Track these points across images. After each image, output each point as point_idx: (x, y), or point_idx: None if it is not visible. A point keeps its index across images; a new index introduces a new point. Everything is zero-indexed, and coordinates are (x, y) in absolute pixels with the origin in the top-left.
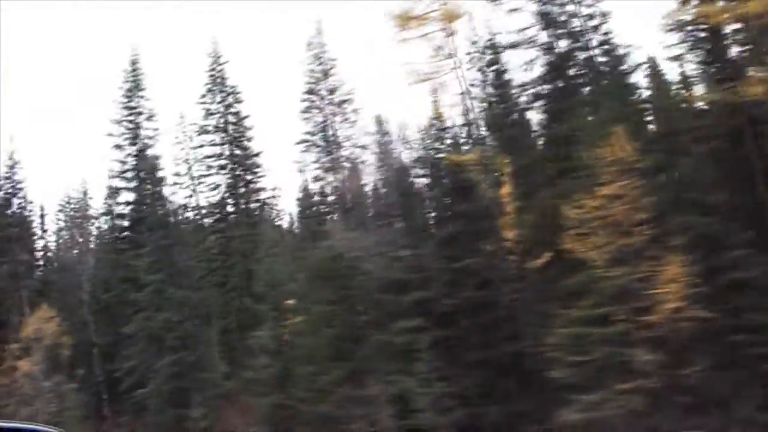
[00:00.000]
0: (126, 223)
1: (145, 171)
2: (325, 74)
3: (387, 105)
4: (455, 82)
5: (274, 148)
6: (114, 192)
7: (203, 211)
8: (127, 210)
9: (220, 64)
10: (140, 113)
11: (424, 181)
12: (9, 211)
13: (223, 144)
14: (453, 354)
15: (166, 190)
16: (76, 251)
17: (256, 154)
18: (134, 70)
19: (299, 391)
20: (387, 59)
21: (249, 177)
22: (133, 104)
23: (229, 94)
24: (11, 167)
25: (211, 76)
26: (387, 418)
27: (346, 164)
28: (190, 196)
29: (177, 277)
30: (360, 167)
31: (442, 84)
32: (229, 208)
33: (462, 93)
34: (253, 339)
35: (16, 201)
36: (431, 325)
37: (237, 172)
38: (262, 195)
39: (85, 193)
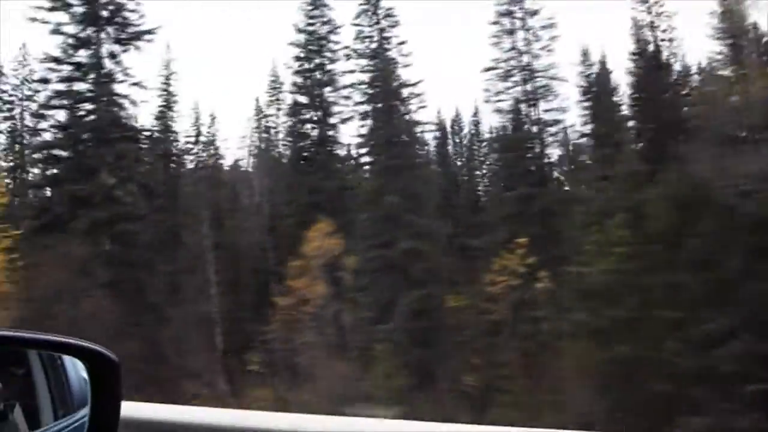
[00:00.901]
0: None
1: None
2: None
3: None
4: None
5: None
6: (297, 110)
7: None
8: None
9: None
10: (326, 22)
11: None
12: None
13: (375, 71)
14: None
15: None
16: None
17: (414, 84)
18: None
19: (660, 341)
20: None
21: (405, 107)
22: (317, 12)
23: (384, 17)
24: (167, 77)
25: None
26: None
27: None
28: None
29: (411, 202)
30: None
31: None
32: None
33: None
34: (574, 277)
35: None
36: None
37: (391, 102)
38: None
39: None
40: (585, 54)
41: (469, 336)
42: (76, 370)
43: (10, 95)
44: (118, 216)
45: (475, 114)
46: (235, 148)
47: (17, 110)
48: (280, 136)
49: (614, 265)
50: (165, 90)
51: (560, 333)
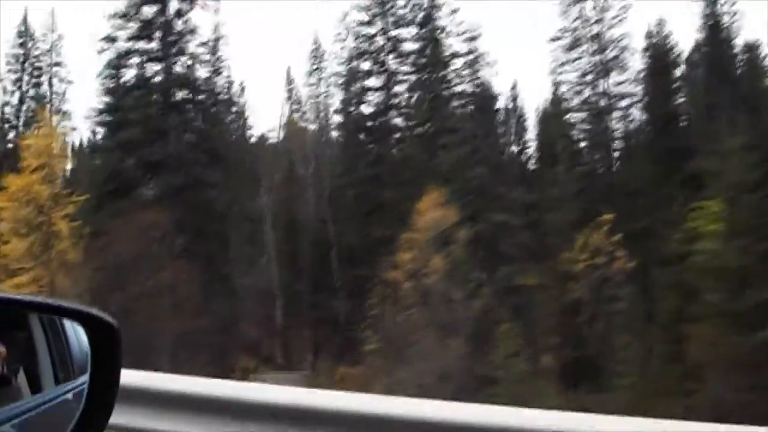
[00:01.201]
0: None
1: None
2: None
3: None
4: None
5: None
6: (356, 75)
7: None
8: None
9: None
10: None
11: None
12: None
13: (424, 41)
14: None
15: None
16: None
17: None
18: None
19: None
20: None
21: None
22: None
23: None
24: (216, 41)
25: None
26: None
27: None
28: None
29: (500, 172)
30: None
31: None
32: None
33: None
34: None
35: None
36: None
37: (438, 73)
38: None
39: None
40: (660, 24)
41: (559, 314)
42: (78, 336)
43: (40, 61)
44: (191, 182)
45: (513, 87)
46: (266, 118)
47: (46, 77)
48: (321, 106)
49: (747, 244)
50: (213, 54)
51: (663, 313)
